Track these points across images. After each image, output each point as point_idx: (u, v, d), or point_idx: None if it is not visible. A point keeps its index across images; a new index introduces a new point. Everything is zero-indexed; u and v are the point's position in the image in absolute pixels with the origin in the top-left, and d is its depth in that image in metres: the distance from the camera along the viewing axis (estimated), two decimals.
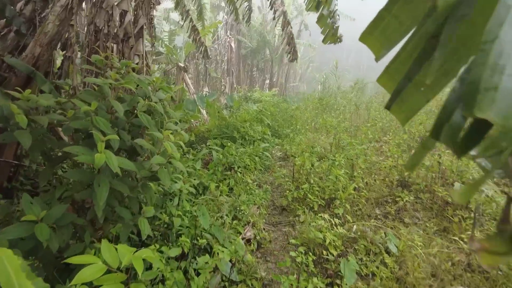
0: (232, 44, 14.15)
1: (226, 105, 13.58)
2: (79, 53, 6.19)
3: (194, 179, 4.22)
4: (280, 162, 6.59)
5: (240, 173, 4.61)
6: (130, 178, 2.83)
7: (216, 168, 4.33)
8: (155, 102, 2.85)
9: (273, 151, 7.16)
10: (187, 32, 10.38)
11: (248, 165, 4.78)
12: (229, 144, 5.56)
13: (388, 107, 0.79)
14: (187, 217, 3.13)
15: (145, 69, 4.64)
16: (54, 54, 4.36)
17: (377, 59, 0.85)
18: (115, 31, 4.22)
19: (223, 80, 13.93)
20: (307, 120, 8.85)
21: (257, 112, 7.17)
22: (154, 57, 11.68)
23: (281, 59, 21.21)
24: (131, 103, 2.68)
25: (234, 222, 3.20)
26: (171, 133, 2.74)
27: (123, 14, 4.32)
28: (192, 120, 7.57)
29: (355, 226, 3.20)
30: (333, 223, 3.07)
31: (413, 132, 6.00)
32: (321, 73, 12.64)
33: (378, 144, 6.40)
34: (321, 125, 8.83)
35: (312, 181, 3.96)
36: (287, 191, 4.17)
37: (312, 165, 4.49)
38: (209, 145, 5.83)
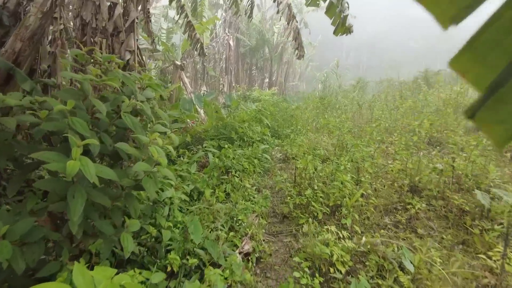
0: (231, 42, 13.83)
1: (225, 105, 13.28)
2: (69, 49, 5.87)
3: (188, 185, 3.92)
4: (281, 164, 6.30)
5: (238, 177, 4.31)
6: (115, 186, 2.54)
7: (212, 173, 4.02)
8: (142, 102, 2.55)
9: (273, 152, 6.87)
10: (181, 27, 10.07)
11: (247, 169, 4.48)
12: (226, 146, 5.26)
13: (470, 114, 0.49)
14: (179, 228, 2.83)
15: (137, 66, 4.34)
16: (40, 49, 4.06)
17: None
18: (104, 25, 3.91)
19: (221, 79, 13.62)
20: (308, 120, 8.55)
21: (256, 112, 6.87)
22: (150, 54, 11.36)
23: (281, 57, 20.90)
24: (114, 103, 2.37)
25: (231, 234, 2.90)
26: (160, 136, 2.43)
27: (112, 6, 4.01)
28: (189, 120, 7.27)
29: (364, 238, 2.90)
30: (340, 236, 2.78)
31: (421, 133, 5.71)
32: (322, 72, 12.34)
33: (383, 145, 6.11)
34: (323, 125, 8.54)
35: (315, 187, 3.67)
36: (289, 197, 3.87)
37: (315, 169, 4.19)
38: (205, 147, 5.53)
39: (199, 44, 7.98)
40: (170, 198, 2.81)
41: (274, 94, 13.68)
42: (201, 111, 10.40)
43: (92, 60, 2.65)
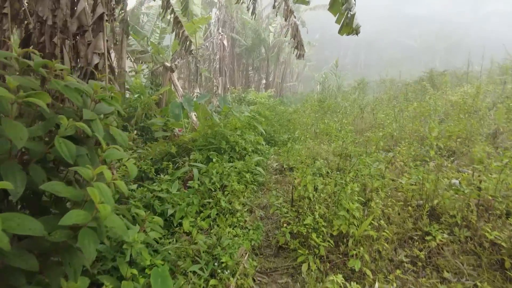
0: (225, 42, 13.24)
1: (219, 108, 12.69)
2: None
3: (167, 209, 3.34)
4: (277, 176, 5.72)
5: (226, 198, 3.73)
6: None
7: (192, 198, 3.44)
8: (91, 120, 1.95)
9: (268, 162, 6.29)
10: (167, 25, 9.46)
11: (236, 189, 3.90)
12: (215, 159, 4.67)
13: None
14: (145, 277, 2.25)
15: (107, 71, 3.73)
16: None
17: None
18: (64, 22, 3.33)
19: (215, 81, 13.02)
20: (307, 125, 7.98)
21: (250, 119, 6.28)
22: (137, 56, 10.75)
23: (277, 57, 20.32)
24: (47, 125, 1.78)
25: (212, 282, 2.32)
26: (112, 166, 1.83)
27: (75, 0, 3.42)
28: (176, 129, 6.68)
29: (377, 285, 2.33)
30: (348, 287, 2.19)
31: (431, 141, 5.14)
32: (320, 73, 11.77)
33: (389, 155, 5.54)
34: (322, 130, 7.97)
35: (316, 215, 3.08)
36: (284, 225, 3.29)
37: (316, 189, 3.62)
38: (192, 159, 4.94)
39: (188, 42, 7.39)
40: (134, 240, 2.21)
41: (271, 96, 13.10)
42: (193, 115, 9.81)
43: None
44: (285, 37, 6.46)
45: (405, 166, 4.69)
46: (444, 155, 5.42)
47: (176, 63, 13.24)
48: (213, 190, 3.93)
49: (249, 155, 5.38)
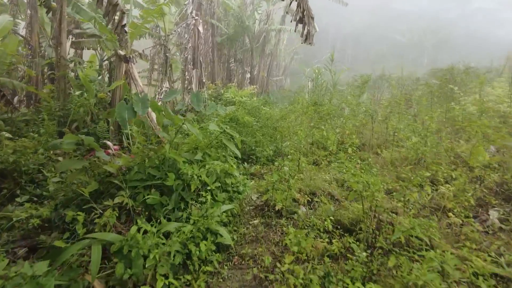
0: (200, 28, 11.08)
1: (189, 108, 10.59)
2: None
3: None
4: (255, 221, 3.81)
5: None
6: None
7: None
8: None
9: (246, 191, 4.36)
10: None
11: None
12: (141, 224, 2.70)
13: None
14: None
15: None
16: None
17: None
18: None
19: (186, 74, 10.90)
20: (298, 135, 6.09)
21: (219, 134, 4.27)
22: (73, 40, 8.51)
23: (263, 48, 18.25)
24: None
25: None
26: None
27: None
28: (113, 146, 4.63)
29: None
30: None
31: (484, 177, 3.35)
32: (313, 67, 9.87)
33: (427, 192, 3.73)
34: (318, 141, 6.10)
35: None
36: None
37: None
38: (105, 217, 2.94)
39: (119, 14, 5.30)
40: None
41: (253, 94, 11.06)
42: (154, 118, 7.72)
43: None
44: (292, 21, 4.31)
45: (467, 230, 2.87)
46: (500, 194, 3.65)
47: (141, 51, 11.02)
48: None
49: (213, 198, 3.42)
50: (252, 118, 6.54)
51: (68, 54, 10.92)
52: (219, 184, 3.53)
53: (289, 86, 31.23)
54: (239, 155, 4.03)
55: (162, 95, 10.54)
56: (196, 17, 11.27)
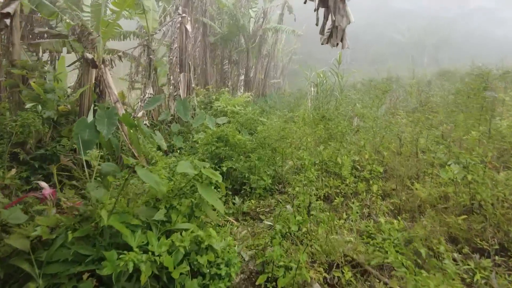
0: (188, 27, 9.78)
1: (175, 118, 9.26)
2: None
3: None
4: None
5: None
6: None
7: None
8: None
9: (236, 244, 3.09)
10: None
11: None
12: None
13: None
14: None
15: None
16: None
17: None
18: None
19: (172, 78, 9.59)
20: (304, 160, 4.80)
21: (194, 177, 2.95)
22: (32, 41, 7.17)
23: (259, 49, 16.96)
24: None
25: None
26: None
27: None
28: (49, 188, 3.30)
29: None
30: None
31: None
32: (317, 71, 8.59)
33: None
34: (328, 166, 4.83)
35: None
36: None
37: None
38: None
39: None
40: None
41: (249, 101, 9.74)
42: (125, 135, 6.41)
43: None
44: (317, 25, 2.92)
45: None
46: None
47: (119, 54, 9.69)
48: None
49: None
50: (246, 137, 5.24)
51: (42, 56, 9.59)
52: (189, 268, 2.25)
53: (287, 87, 29.97)
54: (223, 211, 2.72)
55: (145, 103, 9.22)
56: (184, 14, 9.95)
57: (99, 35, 7.32)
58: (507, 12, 60.83)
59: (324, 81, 8.38)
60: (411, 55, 49.80)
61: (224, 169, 4.60)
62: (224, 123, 7.24)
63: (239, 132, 6.98)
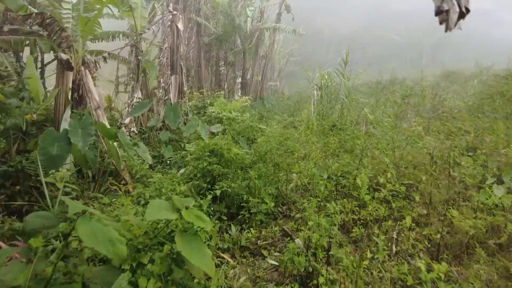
0: (179, 25, 9.00)
1: (164, 124, 8.43)
2: None
3: None
4: None
5: None
6: None
7: None
8: None
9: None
10: None
11: None
12: None
13: None
14: None
15: None
16: None
17: None
18: None
19: (162, 81, 8.79)
20: (317, 183, 4.04)
21: (175, 222, 2.16)
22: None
23: (256, 50, 16.20)
24: None
25: None
26: None
27: None
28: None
29: None
30: None
31: None
32: (321, 72, 7.81)
33: None
34: (341, 180, 4.06)
35: None
36: None
37: None
38: None
39: None
40: None
41: (246, 106, 8.91)
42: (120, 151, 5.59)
43: None
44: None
45: None
46: None
47: (103, 55, 8.87)
48: None
49: None
50: (243, 150, 4.44)
51: (21, 59, 8.74)
52: None
53: (285, 90, 29.25)
54: (213, 273, 1.91)
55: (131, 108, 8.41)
56: (175, 12, 9.17)
57: (78, 35, 6.52)
58: (505, 13, 60.78)
59: (329, 83, 7.61)
60: (410, 56, 49.38)
61: (218, 192, 3.81)
62: (219, 132, 6.44)
63: (236, 142, 6.18)
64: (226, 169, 4.13)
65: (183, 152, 5.07)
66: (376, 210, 3.58)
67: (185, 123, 8.44)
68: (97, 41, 11.75)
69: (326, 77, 7.59)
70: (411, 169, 3.92)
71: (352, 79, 7.55)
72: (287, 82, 33.05)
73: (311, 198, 3.99)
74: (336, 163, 3.83)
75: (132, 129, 9.01)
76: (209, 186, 4.28)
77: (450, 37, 52.67)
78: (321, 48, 55.05)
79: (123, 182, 6.12)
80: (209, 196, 3.56)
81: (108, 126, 6.62)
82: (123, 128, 8.95)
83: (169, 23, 8.80)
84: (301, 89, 17.65)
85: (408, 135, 4.37)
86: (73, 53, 6.27)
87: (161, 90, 8.84)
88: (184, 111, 9.13)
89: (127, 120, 8.94)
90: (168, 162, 6.43)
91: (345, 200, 3.94)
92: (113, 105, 10.70)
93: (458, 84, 13.04)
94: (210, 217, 4.04)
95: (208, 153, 4.30)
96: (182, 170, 5.63)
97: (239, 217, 4.10)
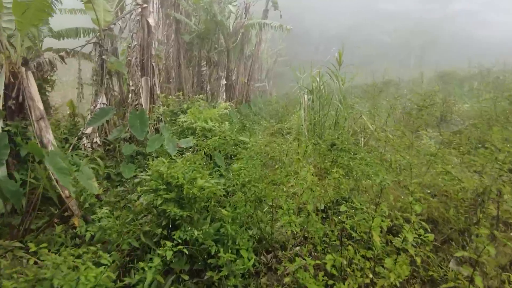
0: (150, 20, 7.77)
1: (133, 139, 7.15)
2: None
3: None
4: None
5: None
6: None
7: None
8: None
9: None
10: None
11: None
12: None
13: None
14: None
15: None
16: None
17: None
18: None
19: (131, 83, 7.55)
20: (312, 221, 2.92)
21: None
22: None
23: (242, 49, 15.05)
24: None
25: None
26: None
27: None
28: None
29: None
30: None
31: None
32: (312, 73, 6.72)
33: None
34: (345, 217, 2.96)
35: None
36: None
37: None
38: None
39: None
40: None
41: (226, 114, 7.65)
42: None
43: None
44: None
45: None
46: None
47: (60, 54, 7.54)
48: None
49: None
50: (212, 182, 3.27)
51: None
52: None
53: (272, 90, 28.18)
54: None
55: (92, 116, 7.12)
56: (145, 5, 7.92)
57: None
58: (490, 14, 61.48)
59: (322, 86, 6.53)
60: (398, 56, 49.07)
61: (175, 246, 2.66)
62: (189, 147, 5.25)
63: (211, 160, 5.00)
64: (186, 211, 2.96)
65: (144, 175, 3.89)
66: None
67: (159, 130, 7.22)
68: (61, 38, 10.40)
69: (318, 79, 6.50)
70: (442, 208, 2.83)
71: (346, 82, 6.48)
72: (276, 82, 32.00)
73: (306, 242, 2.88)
74: (345, 207, 2.71)
75: (94, 140, 7.71)
76: (165, 233, 3.11)
77: (437, 38, 52.74)
78: (310, 48, 54.19)
79: (68, 213, 4.91)
80: (157, 261, 2.40)
81: (53, 142, 5.36)
82: (84, 139, 7.66)
83: (138, 17, 7.55)
84: (290, 91, 16.57)
85: (429, 158, 3.30)
86: (3, 50, 4.99)
87: (130, 94, 7.58)
88: (157, 118, 7.89)
89: (89, 130, 7.63)
90: (127, 185, 5.23)
91: (352, 245, 2.83)
92: (76, 111, 9.35)
93: (454, 86, 12.13)
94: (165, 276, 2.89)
95: (163, 187, 3.13)
96: (142, 199, 4.45)
97: (204, 278, 2.94)
